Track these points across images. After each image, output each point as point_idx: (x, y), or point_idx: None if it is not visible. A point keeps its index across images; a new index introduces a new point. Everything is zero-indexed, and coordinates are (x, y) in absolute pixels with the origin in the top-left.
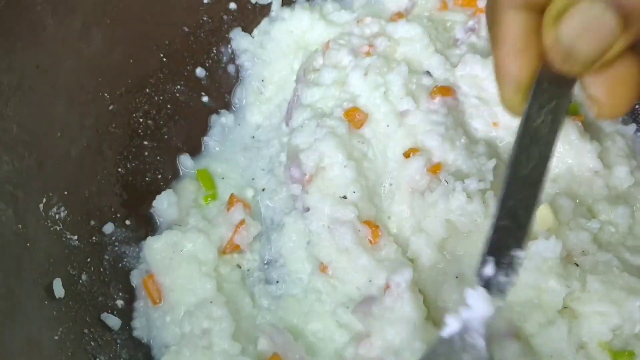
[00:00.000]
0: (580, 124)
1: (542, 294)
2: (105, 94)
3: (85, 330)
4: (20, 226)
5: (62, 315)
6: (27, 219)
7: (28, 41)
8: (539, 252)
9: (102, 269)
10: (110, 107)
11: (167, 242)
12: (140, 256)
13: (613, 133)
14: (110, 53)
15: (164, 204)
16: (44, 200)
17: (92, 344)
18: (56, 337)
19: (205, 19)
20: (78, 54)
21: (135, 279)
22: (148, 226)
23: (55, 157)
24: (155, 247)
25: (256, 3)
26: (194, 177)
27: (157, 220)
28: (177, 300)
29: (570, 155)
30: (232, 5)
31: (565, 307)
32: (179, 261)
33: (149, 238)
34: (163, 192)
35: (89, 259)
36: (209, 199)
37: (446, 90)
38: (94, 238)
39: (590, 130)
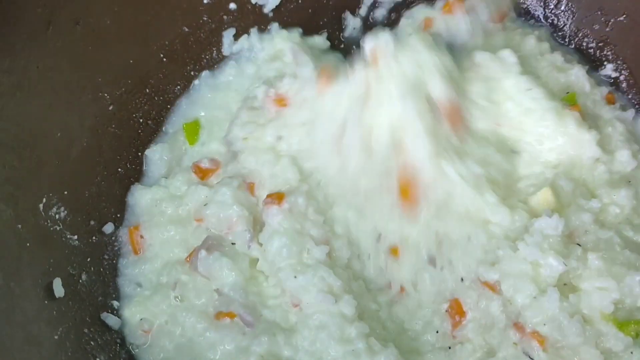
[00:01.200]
0: (577, 114)
1: (538, 268)
2: (105, 94)
3: (85, 330)
4: (20, 226)
5: (62, 315)
6: (27, 219)
7: (28, 41)
8: (540, 229)
9: (102, 269)
10: (110, 107)
11: (154, 199)
12: (126, 204)
13: (612, 119)
14: (110, 53)
15: (155, 156)
16: (44, 200)
17: (92, 343)
18: (56, 337)
19: (205, 19)
20: (78, 54)
21: (123, 234)
22: None
23: (55, 157)
24: (142, 201)
25: (256, 3)
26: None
27: (145, 168)
28: (156, 253)
29: (570, 146)
30: (232, 6)
31: (564, 284)
32: (163, 220)
33: (138, 186)
34: (159, 144)
35: (89, 259)
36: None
37: None
38: (94, 238)
39: (589, 119)
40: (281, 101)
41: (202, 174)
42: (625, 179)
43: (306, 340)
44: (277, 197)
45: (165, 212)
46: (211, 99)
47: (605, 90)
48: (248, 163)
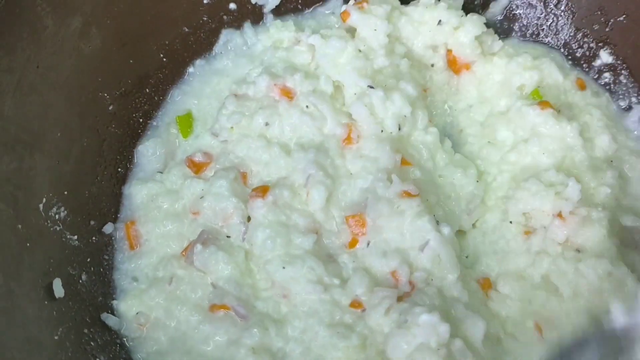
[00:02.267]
0: (551, 110)
1: None
2: (105, 94)
3: (85, 330)
4: (20, 226)
5: (62, 315)
6: (27, 219)
7: (28, 41)
8: None
9: (102, 269)
10: (110, 107)
11: (150, 194)
12: (121, 199)
13: (588, 106)
14: (110, 53)
15: (149, 151)
16: (44, 200)
17: (92, 344)
18: (56, 337)
19: (205, 19)
20: (78, 54)
21: (119, 229)
22: None
23: (55, 157)
24: (138, 197)
25: (256, 3)
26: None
27: (136, 162)
28: (152, 248)
29: (554, 144)
30: (232, 6)
31: None
32: (159, 215)
33: (133, 182)
34: (151, 139)
35: (89, 259)
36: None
37: None
38: (94, 238)
39: (565, 111)
40: (288, 93)
41: (196, 167)
42: (608, 160)
43: (297, 330)
44: (261, 190)
45: (161, 207)
46: (202, 88)
47: (574, 76)
48: (239, 151)
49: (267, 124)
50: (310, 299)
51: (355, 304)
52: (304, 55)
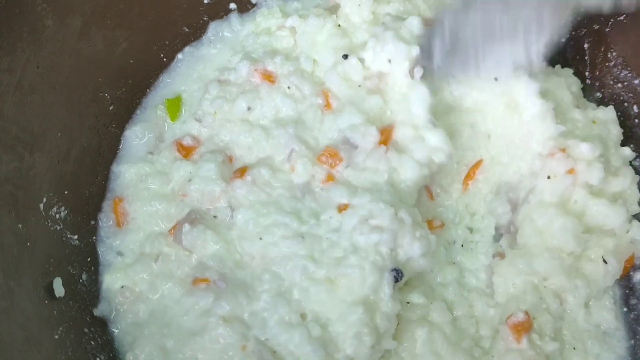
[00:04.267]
0: None
1: None
2: (105, 94)
3: (85, 330)
4: (20, 226)
5: (62, 314)
6: (27, 219)
7: (28, 41)
8: None
9: (102, 268)
10: (111, 107)
11: (139, 174)
12: (109, 180)
13: None
14: (110, 53)
15: (137, 136)
16: (44, 200)
17: (92, 343)
18: (56, 337)
19: (205, 19)
20: (78, 54)
21: (106, 205)
22: None
23: (55, 157)
24: (126, 175)
25: (256, 3)
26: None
27: (125, 143)
28: (139, 226)
29: None
30: (232, 6)
31: None
32: (148, 195)
33: (123, 165)
34: (139, 124)
35: (89, 259)
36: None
37: None
38: (94, 237)
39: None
40: (269, 77)
41: (185, 151)
42: None
43: (266, 283)
44: (240, 172)
45: (150, 187)
46: (190, 74)
47: None
48: (224, 136)
49: (249, 109)
50: (288, 251)
51: (342, 207)
52: (286, 39)
